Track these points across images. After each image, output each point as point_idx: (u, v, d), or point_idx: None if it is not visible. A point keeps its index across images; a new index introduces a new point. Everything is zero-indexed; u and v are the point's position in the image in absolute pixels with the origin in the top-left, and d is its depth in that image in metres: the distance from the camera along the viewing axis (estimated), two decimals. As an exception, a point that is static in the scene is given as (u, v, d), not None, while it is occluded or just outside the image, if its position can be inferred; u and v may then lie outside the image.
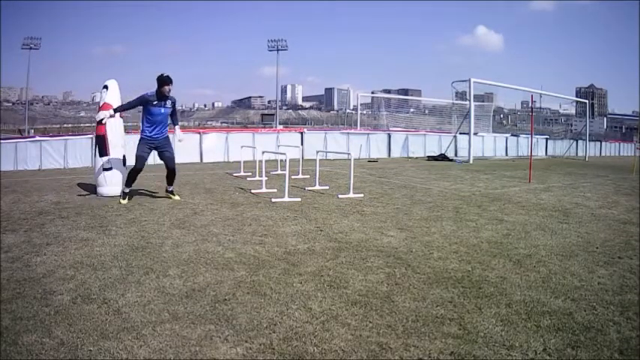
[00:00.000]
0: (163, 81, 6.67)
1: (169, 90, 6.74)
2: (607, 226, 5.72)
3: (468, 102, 19.91)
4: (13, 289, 3.28)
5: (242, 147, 12.09)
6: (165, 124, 6.99)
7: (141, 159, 6.84)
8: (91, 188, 8.05)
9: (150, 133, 6.86)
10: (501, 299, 3.22)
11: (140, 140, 6.92)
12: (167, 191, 7.39)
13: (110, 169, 7.58)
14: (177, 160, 15.40)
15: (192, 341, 2.56)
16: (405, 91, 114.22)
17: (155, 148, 6.97)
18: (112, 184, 7.62)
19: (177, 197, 7.26)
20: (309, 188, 8.56)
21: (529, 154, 11.36)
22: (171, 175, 7.24)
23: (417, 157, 19.66)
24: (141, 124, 7.10)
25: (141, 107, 6.87)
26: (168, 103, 6.86)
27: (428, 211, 6.55)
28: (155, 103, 6.74)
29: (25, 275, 3.59)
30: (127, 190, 7.00)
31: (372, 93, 48.71)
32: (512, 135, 25.80)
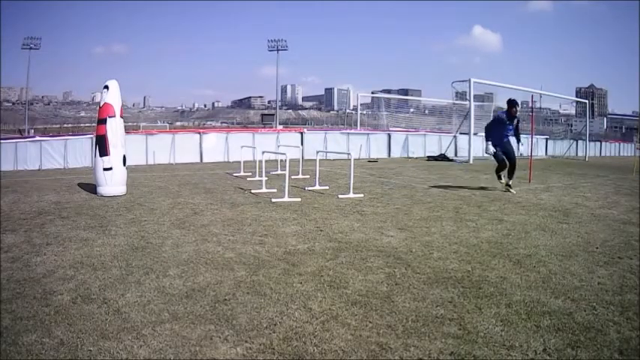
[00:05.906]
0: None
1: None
2: (607, 226, 5.72)
3: (468, 102, 19.90)
4: (13, 289, 3.28)
5: (242, 147, 12.10)
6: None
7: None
8: (92, 188, 8.06)
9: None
10: (501, 299, 3.22)
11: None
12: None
13: (110, 169, 7.59)
14: (178, 160, 15.52)
15: (192, 341, 2.56)
16: (405, 91, 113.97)
17: None
18: (112, 184, 7.62)
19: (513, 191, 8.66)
20: (309, 188, 8.56)
21: (529, 154, 11.34)
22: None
23: (416, 157, 19.65)
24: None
25: None
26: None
27: (428, 211, 6.55)
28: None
29: (25, 275, 3.59)
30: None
31: (372, 93, 48.59)
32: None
